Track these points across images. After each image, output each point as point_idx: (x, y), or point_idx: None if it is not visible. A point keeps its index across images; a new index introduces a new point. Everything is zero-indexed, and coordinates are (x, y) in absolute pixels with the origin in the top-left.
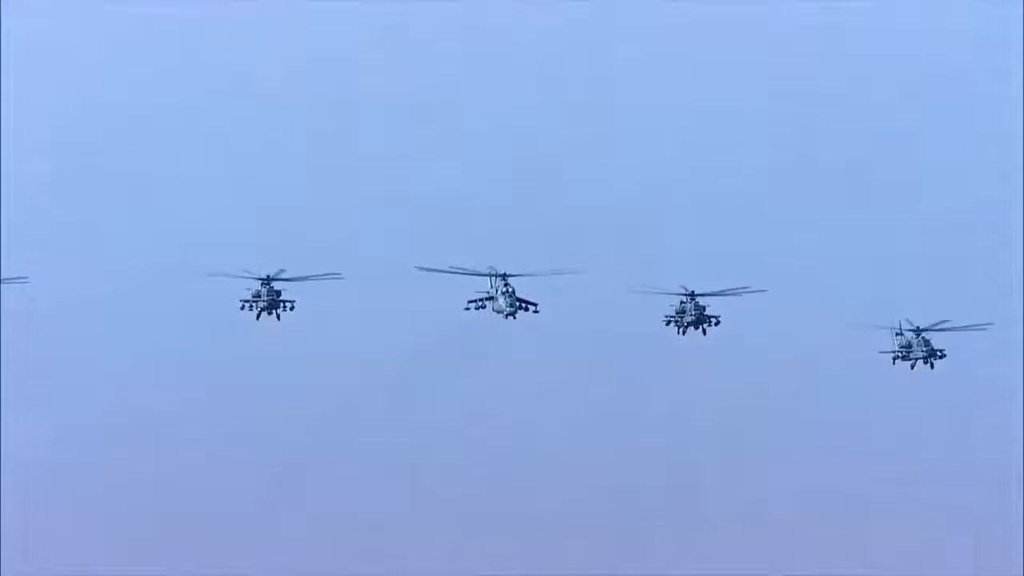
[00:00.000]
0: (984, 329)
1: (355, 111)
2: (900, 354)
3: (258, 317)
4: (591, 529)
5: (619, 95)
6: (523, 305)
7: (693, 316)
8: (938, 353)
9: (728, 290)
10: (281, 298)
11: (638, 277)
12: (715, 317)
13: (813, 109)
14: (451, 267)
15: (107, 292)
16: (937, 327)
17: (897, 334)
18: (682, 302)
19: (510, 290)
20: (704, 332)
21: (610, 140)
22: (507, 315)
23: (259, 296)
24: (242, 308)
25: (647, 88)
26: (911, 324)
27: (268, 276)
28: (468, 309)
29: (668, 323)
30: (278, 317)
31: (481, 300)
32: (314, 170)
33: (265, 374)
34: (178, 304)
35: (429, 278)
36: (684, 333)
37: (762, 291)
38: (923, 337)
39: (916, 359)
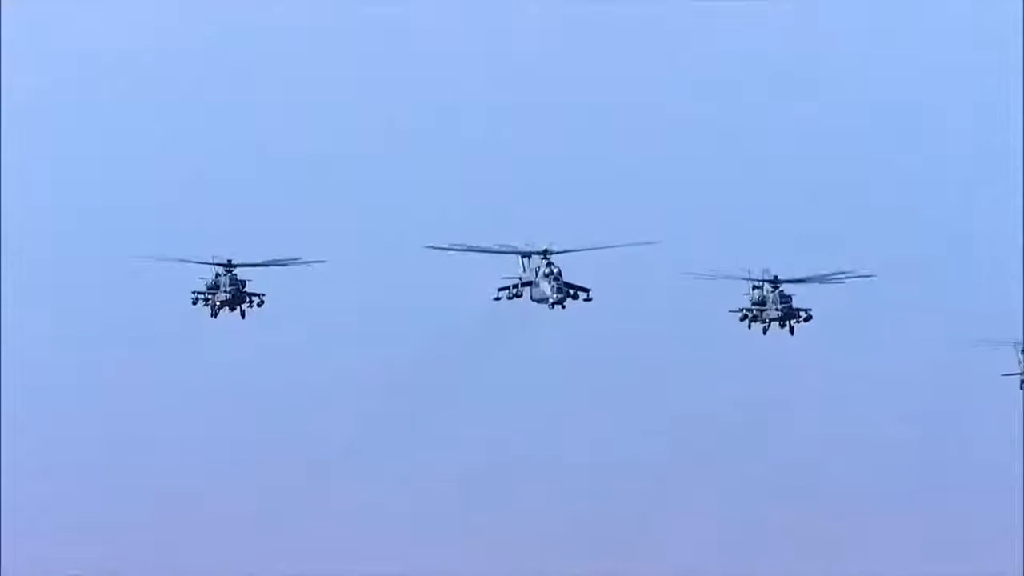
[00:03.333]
0: None
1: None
2: None
3: (215, 314)
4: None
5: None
6: (572, 292)
7: (780, 310)
8: None
9: (819, 276)
10: (246, 290)
11: (703, 256)
12: (806, 310)
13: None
14: (472, 246)
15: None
16: None
17: None
18: (755, 287)
19: (555, 271)
20: (792, 331)
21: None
22: (552, 304)
23: (217, 288)
24: (194, 302)
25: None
26: None
27: (230, 261)
28: (499, 299)
29: (744, 318)
30: (243, 314)
31: (516, 286)
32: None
33: (221, 389)
34: (120, 296)
35: (443, 260)
36: (767, 332)
37: (867, 276)
38: None
39: None
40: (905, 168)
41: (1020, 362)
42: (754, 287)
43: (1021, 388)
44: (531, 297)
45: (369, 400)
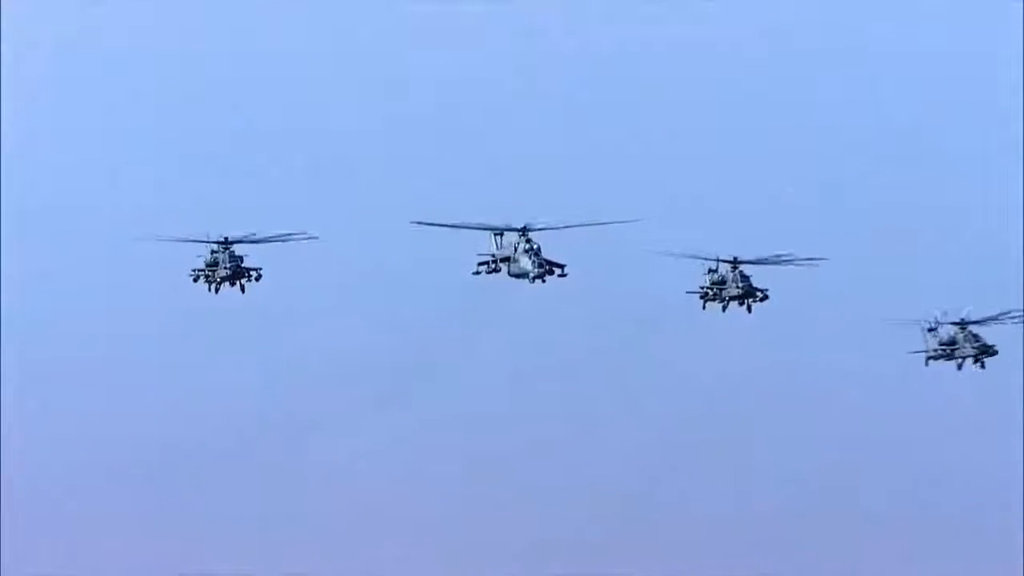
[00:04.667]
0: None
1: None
2: (941, 353)
3: (216, 290)
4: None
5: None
6: (549, 268)
7: (740, 288)
8: (991, 349)
9: (771, 258)
10: (244, 265)
11: (672, 236)
12: (763, 291)
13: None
14: (457, 223)
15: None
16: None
17: (930, 329)
18: (711, 270)
19: (535, 247)
20: (749, 309)
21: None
22: (532, 279)
23: (216, 264)
24: (195, 280)
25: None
26: (945, 316)
27: (227, 238)
28: (478, 273)
29: (703, 298)
30: (242, 289)
31: (495, 261)
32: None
33: (230, 360)
34: (120, 276)
35: (425, 237)
36: (726, 309)
37: (818, 260)
38: (970, 331)
39: (964, 358)
40: (880, 159)
41: (925, 340)
42: (710, 270)
43: (926, 364)
44: (508, 272)
45: (357, 372)
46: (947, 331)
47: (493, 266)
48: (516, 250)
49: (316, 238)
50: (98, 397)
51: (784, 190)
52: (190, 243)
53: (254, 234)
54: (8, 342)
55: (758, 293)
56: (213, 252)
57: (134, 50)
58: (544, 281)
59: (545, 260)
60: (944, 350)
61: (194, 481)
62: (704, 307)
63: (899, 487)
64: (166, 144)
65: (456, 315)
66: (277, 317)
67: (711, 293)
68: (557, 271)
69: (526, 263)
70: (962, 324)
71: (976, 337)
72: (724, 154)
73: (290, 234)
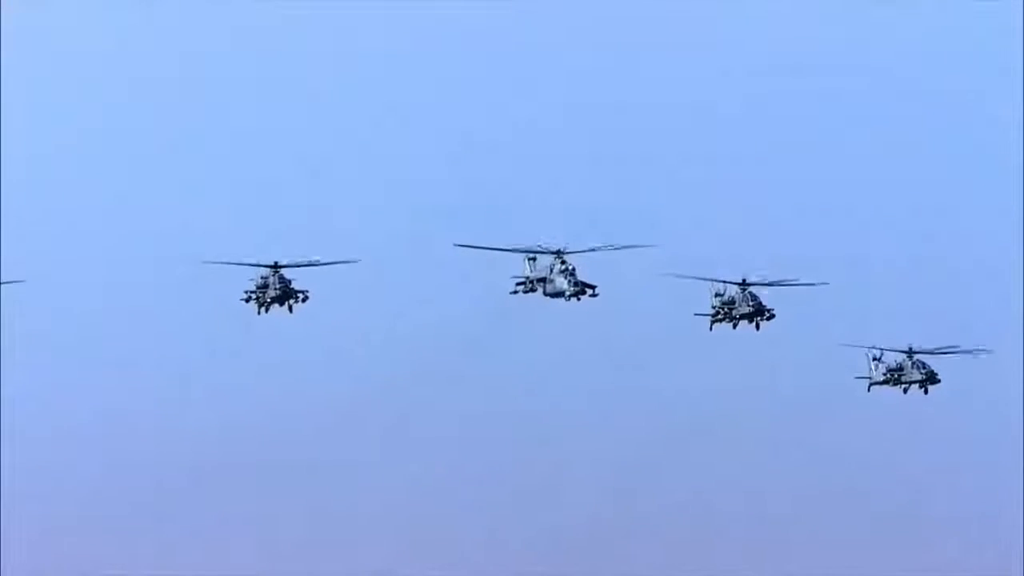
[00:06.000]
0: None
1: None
2: (888, 379)
3: (266, 310)
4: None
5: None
6: (583, 287)
7: (752, 306)
8: (935, 377)
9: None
10: (292, 286)
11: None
12: (769, 310)
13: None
14: (496, 246)
15: (102, 287)
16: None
17: (874, 359)
18: (717, 293)
19: (570, 268)
20: (758, 327)
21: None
22: (569, 296)
23: (267, 286)
24: (248, 300)
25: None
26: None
27: (276, 263)
28: (516, 292)
29: (714, 320)
30: (290, 309)
31: (531, 281)
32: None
33: (276, 375)
34: (175, 297)
35: (459, 260)
36: (736, 327)
37: (819, 284)
38: (918, 360)
39: (910, 383)
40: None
41: (870, 368)
42: (717, 294)
43: (868, 391)
44: (544, 292)
45: (404, 383)
46: (894, 359)
47: (530, 286)
48: (552, 271)
49: (357, 261)
50: (147, 408)
51: (787, 214)
52: (241, 267)
53: (302, 259)
54: (62, 363)
55: (767, 312)
56: (263, 277)
57: (180, 71)
58: (579, 299)
59: (580, 280)
60: (892, 375)
61: (227, 488)
62: (711, 328)
63: (894, 496)
64: (212, 170)
65: (490, 331)
66: (321, 335)
67: (721, 313)
68: (589, 291)
69: (562, 283)
70: (910, 353)
71: (923, 365)
72: (724, 179)
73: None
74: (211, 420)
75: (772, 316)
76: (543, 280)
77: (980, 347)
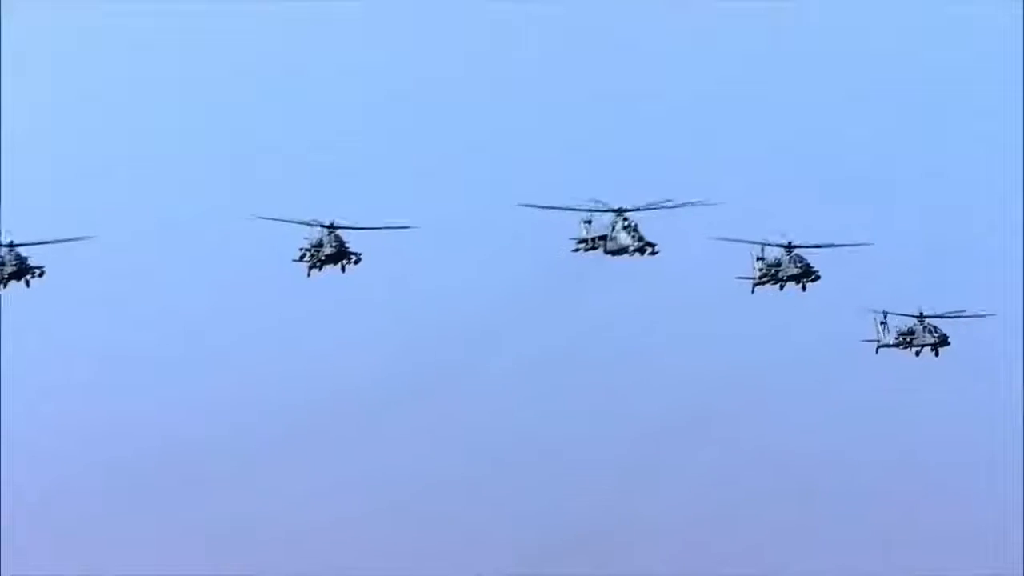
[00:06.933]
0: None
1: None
2: (898, 342)
3: (320, 269)
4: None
5: None
6: (646, 243)
7: (799, 268)
8: (946, 340)
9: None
10: (346, 248)
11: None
12: (816, 271)
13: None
14: (560, 205)
15: (159, 241)
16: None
17: (881, 322)
18: (759, 258)
19: (633, 224)
20: (804, 288)
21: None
22: (632, 251)
23: (321, 245)
24: (301, 259)
25: None
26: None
27: (332, 223)
28: (577, 250)
29: (761, 278)
30: (343, 269)
31: (593, 239)
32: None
33: (330, 338)
34: (228, 252)
35: (514, 220)
36: (783, 288)
37: (865, 244)
38: (929, 324)
39: (922, 346)
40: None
41: (877, 330)
42: (759, 257)
43: (876, 352)
44: (605, 250)
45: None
46: (904, 322)
47: (591, 244)
48: (614, 228)
49: (415, 227)
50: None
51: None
52: (295, 224)
53: (357, 223)
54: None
55: (813, 273)
56: (320, 236)
57: (244, 35)
58: (643, 255)
59: (642, 237)
60: (903, 338)
61: (223, 476)
62: (753, 291)
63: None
64: (279, 134)
65: (545, 291)
66: (379, 296)
67: (768, 276)
68: (650, 249)
69: (625, 239)
70: (920, 317)
71: (935, 328)
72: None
73: (388, 225)
74: (254, 384)
75: (818, 277)
76: (604, 238)
77: (986, 311)
